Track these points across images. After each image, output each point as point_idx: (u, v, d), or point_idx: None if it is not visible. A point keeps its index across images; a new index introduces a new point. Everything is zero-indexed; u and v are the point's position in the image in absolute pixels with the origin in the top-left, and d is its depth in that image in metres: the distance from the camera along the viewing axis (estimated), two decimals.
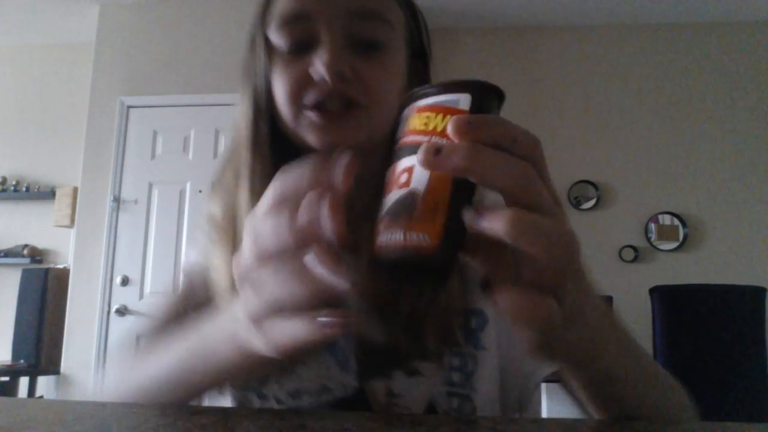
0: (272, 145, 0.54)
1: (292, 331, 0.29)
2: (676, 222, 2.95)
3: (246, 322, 0.31)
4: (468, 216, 0.27)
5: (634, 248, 2.93)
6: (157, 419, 0.32)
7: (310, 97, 0.50)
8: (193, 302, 0.53)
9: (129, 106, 2.97)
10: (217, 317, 0.37)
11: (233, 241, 0.51)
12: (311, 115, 0.50)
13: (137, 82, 2.96)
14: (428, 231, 0.28)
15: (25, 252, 3.20)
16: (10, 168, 3.38)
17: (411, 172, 0.29)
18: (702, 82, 3.07)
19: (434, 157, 0.27)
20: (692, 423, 0.34)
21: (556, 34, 3.21)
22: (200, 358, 0.38)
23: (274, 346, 0.30)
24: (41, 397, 2.85)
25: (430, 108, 0.30)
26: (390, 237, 0.28)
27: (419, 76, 0.58)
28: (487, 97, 0.30)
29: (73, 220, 3.07)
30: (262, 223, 0.30)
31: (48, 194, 3.23)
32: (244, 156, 0.53)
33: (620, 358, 0.38)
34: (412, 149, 0.29)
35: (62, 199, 3.17)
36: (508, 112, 0.28)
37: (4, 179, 3.33)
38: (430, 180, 0.28)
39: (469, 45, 3.19)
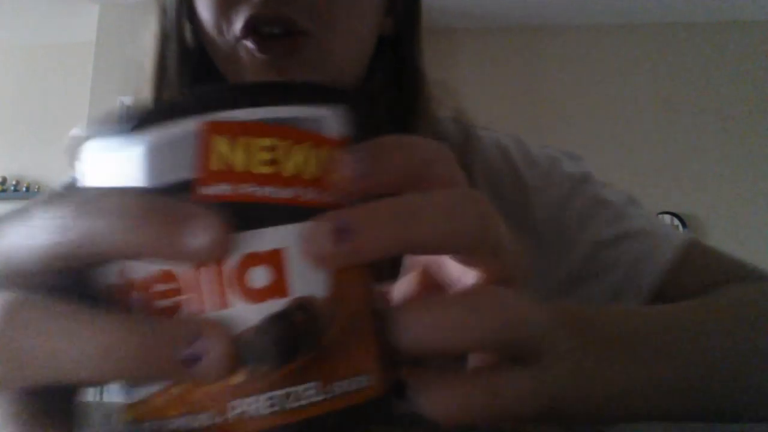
0: (192, 84, 0.42)
1: None
2: (676, 222, 2.94)
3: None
4: (417, 333, 0.16)
5: None
6: None
7: (238, 18, 0.38)
8: None
9: (129, 106, 2.96)
10: None
11: None
12: (246, 43, 0.38)
13: (137, 82, 2.95)
14: (362, 365, 0.16)
15: None
16: (10, 168, 3.38)
17: (279, 262, 0.15)
18: (702, 82, 3.07)
19: (354, 241, 0.15)
20: (694, 423, 0.33)
21: (556, 34, 3.21)
22: None
23: None
24: None
25: (271, 129, 0.15)
26: (277, 399, 0.14)
27: (404, 2, 0.47)
28: (365, 112, 0.18)
29: None
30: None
31: None
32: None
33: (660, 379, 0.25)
34: (255, 213, 0.15)
35: None
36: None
37: (4, 179, 3.33)
38: (333, 273, 0.15)
39: (469, 45, 3.19)
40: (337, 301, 0.15)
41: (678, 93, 3.08)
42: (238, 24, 0.38)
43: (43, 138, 3.40)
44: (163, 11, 0.42)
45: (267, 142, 0.15)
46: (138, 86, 0.43)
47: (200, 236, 0.14)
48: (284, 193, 0.15)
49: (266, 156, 0.15)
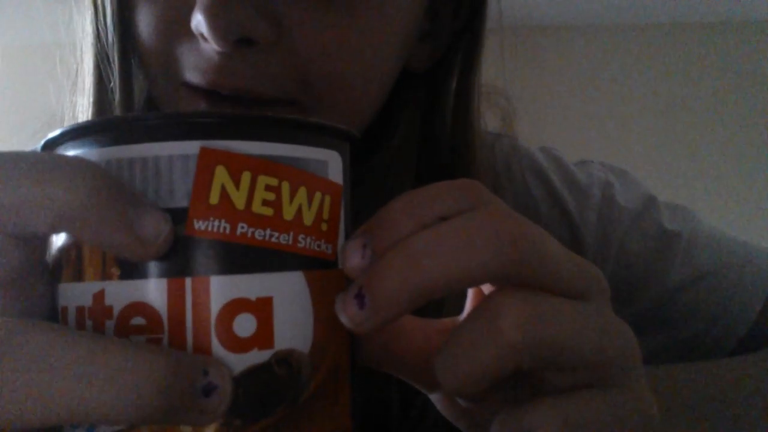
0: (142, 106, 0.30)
1: None
2: None
3: None
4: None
5: None
6: None
7: (186, 59, 0.26)
8: None
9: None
10: None
11: None
12: (192, 98, 0.27)
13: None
14: (336, 422, 0.15)
15: None
16: None
17: (268, 311, 0.14)
18: (702, 82, 3.07)
19: (369, 305, 0.14)
20: None
21: (556, 34, 3.21)
22: None
23: None
24: None
25: (278, 167, 0.14)
26: None
27: (452, 24, 0.33)
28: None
29: None
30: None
31: None
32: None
33: None
34: (250, 256, 0.14)
35: None
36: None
37: None
38: (320, 325, 0.15)
39: None
40: (320, 355, 0.14)
41: (678, 93, 3.07)
42: (184, 70, 0.26)
43: (44, 138, 3.40)
44: (98, 13, 0.30)
45: (273, 181, 0.14)
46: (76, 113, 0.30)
47: (150, 223, 0.13)
48: (282, 239, 0.14)
49: (269, 196, 0.14)
